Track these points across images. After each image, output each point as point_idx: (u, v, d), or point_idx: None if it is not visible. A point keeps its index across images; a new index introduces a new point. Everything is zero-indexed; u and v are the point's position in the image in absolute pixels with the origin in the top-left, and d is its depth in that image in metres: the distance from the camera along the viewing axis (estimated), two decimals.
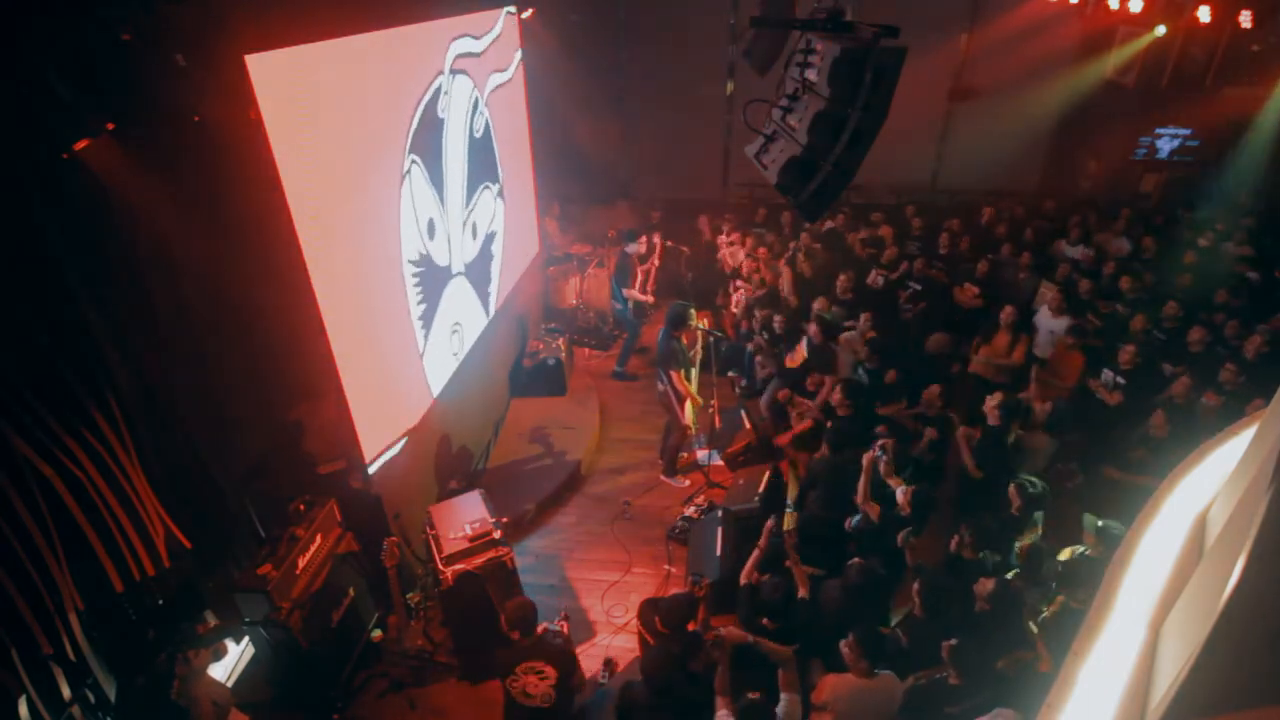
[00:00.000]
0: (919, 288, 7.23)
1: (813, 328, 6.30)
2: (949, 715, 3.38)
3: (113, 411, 3.35)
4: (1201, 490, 1.87)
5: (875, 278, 7.32)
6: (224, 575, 4.25)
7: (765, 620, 3.83)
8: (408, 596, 4.83)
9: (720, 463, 6.25)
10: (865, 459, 4.64)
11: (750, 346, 7.22)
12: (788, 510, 5.40)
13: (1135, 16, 8.19)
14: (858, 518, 4.57)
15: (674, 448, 6.48)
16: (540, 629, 3.74)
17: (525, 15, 7.24)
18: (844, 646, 3.51)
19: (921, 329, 6.73)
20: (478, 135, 6.20)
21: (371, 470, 4.63)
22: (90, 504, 3.25)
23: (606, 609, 5.28)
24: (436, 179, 5.40)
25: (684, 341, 6.24)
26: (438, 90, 5.33)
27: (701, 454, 6.58)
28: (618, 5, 9.82)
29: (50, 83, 2.83)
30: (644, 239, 7.98)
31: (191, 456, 3.85)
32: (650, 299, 8.04)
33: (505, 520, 4.83)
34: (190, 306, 3.74)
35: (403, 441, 5.05)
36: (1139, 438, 5.27)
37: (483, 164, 6.39)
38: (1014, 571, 4.21)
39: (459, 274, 5.98)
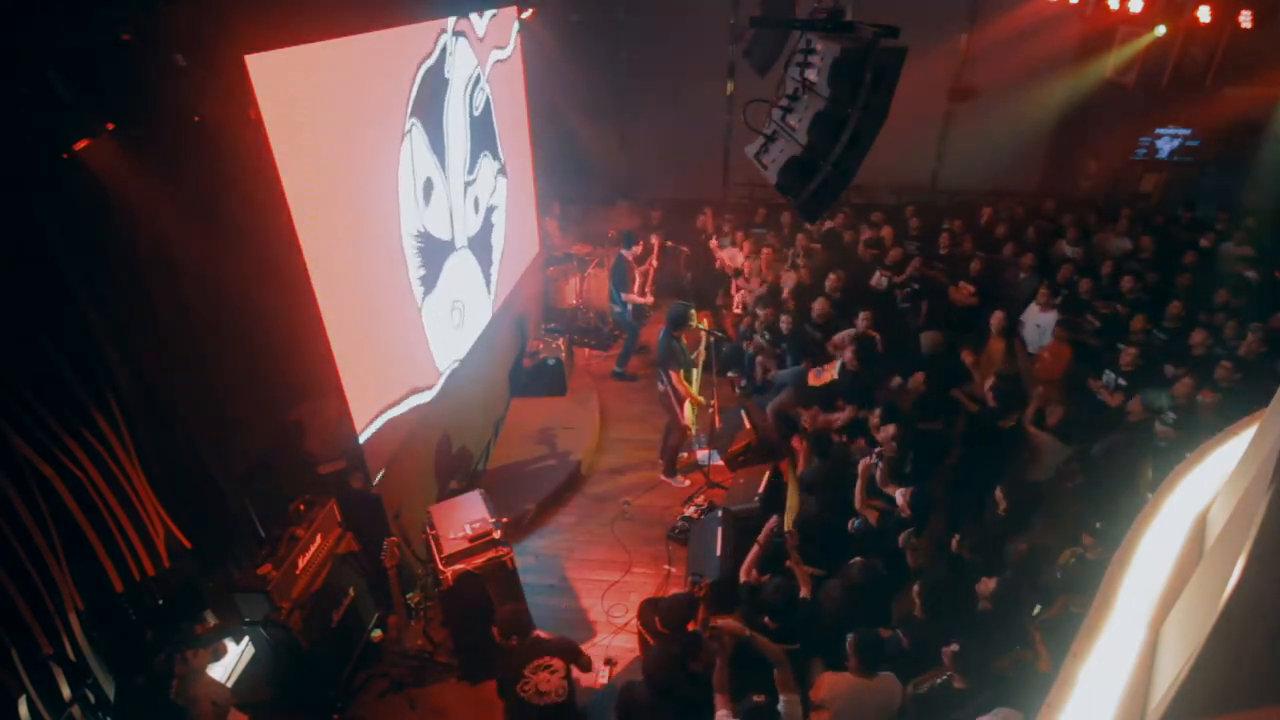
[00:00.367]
0: (918, 287, 7.23)
1: (849, 353, 5.79)
2: None
3: (113, 411, 3.34)
4: (1201, 490, 1.87)
5: (879, 279, 7.32)
6: (224, 575, 4.25)
7: (766, 619, 3.84)
8: (408, 596, 4.83)
9: (720, 463, 6.25)
10: (861, 466, 4.65)
11: (750, 347, 7.22)
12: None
13: (1135, 16, 8.19)
14: (859, 520, 4.58)
15: (674, 448, 6.48)
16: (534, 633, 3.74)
17: (525, 15, 7.23)
18: (847, 646, 3.51)
19: (920, 329, 6.74)
20: (477, 113, 6.20)
21: (375, 428, 4.62)
22: (90, 504, 3.25)
23: (606, 609, 5.28)
24: (437, 145, 5.40)
25: (684, 342, 6.23)
26: (444, 50, 5.34)
27: (701, 454, 6.58)
28: (618, 5, 9.82)
29: (50, 83, 2.83)
30: (640, 243, 7.97)
31: (191, 456, 3.85)
32: (649, 300, 8.04)
33: (505, 520, 4.83)
34: (190, 306, 3.74)
35: (411, 402, 5.04)
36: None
37: (484, 138, 6.41)
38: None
39: (462, 247, 5.98)
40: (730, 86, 10.10)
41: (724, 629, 3.49)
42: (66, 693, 3.25)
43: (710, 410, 6.46)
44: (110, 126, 3.08)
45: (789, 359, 6.70)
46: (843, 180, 3.31)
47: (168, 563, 3.64)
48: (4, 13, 2.68)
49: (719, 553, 4.89)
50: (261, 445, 4.51)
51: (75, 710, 3.29)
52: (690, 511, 5.93)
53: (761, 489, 5.44)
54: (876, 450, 4.74)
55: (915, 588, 3.89)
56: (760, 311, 7.16)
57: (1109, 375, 5.85)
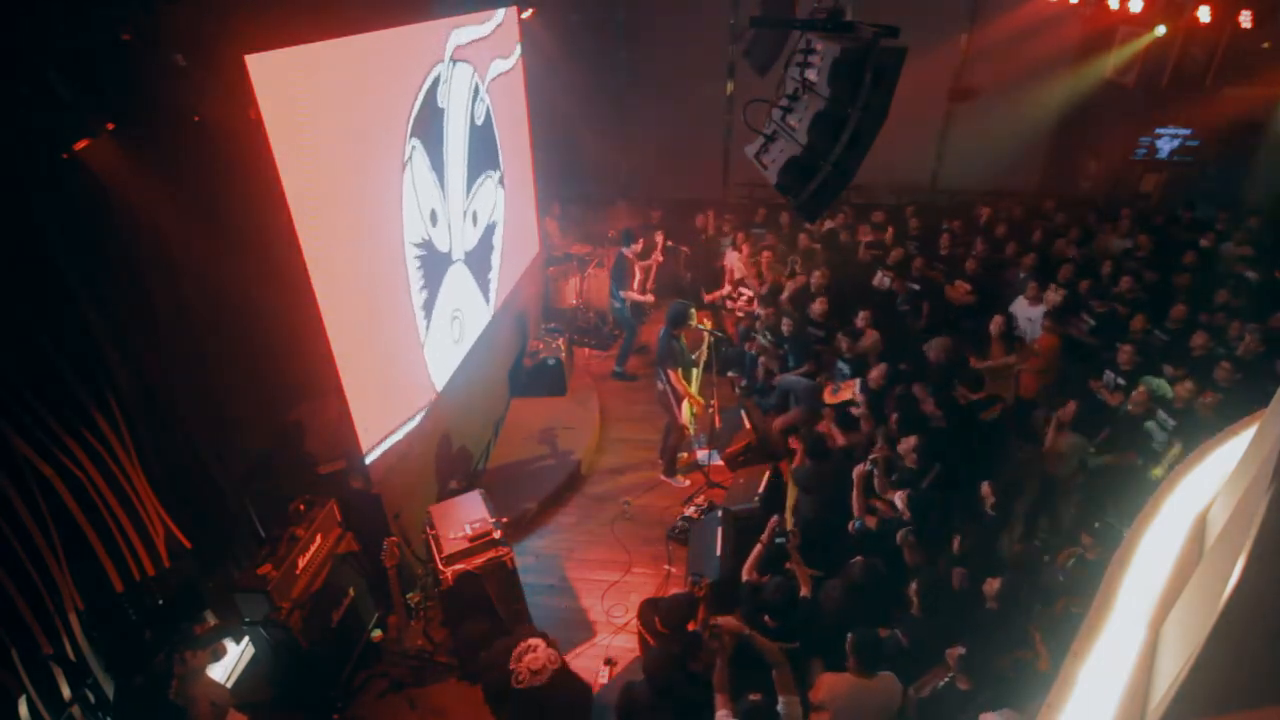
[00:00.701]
0: (918, 288, 7.24)
1: (875, 373, 5.68)
2: None
3: (113, 411, 3.35)
4: (1201, 490, 1.87)
5: (881, 279, 7.33)
6: (224, 575, 4.25)
7: (766, 618, 3.84)
8: (408, 596, 4.83)
9: (720, 463, 6.25)
10: (856, 473, 4.65)
11: (753, 348, 7.21)
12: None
13: (1135, 16, 8.20)
14: (859, 521, 4.59)
15: (673, 448, 6.48)
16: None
17: (525, 15, 7.24)
18: (846, 646, 3.51)
19: (920, 329, 6.75)
20: (479, 123, 6.20)
21: (370, 459, 4.62)
22: (90, 504, 3.25)
23: (606, 609, 5.28)
24: (438, 165, 5.40)
25: (684, 341, 6.23)
26: (437, 79, 5.32)
27: (701, 454, 6.58)
28: (618, 5, 9.82)
29: (50, 83, 2.83)
30: (640, 240, 7.96)
31: (191, 456, 3.86)
32: (650, 299, 8.03)
33: (505, 520, 4.83)
34: (190, 306, 3.74)
35: (403, 431, 5.05)
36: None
37: (484, 151, 6.40)
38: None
39: (459, 260, 5.98)
40: (730, 86, 10.10)
41: (724, 628, 3.49)
42: (66, 693, 3.26)
43: (710, 410, 6.46)
44: (110, 126, 3.08)
45: (791, 360, 6.70)
46: (843, 180, 3.31)
47: (168, 563, 3.64)
48: (4, 13, 2.68)
49: (719, 553, 4.89)
50: (261, 445, 4.51)
51: (75, 710, 3.29)
52: (690, 511, 5.93)
53: (761, 489, 5.45)
54: (871, 457, 4.74)
55: (912, 586, 3.89)
56: (761, 311, 7.16)
57: (1109, 375, 5.86)
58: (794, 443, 5.76)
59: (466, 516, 4.69)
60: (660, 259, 8.32)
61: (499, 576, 4.56)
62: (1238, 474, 1.66)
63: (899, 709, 3.50)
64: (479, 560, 4.50)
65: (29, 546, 3.01)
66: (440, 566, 4.46)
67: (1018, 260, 7.54)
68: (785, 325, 6.75)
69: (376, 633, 4.84)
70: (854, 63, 3.04)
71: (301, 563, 4.36)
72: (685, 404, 6.21)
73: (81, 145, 2.99)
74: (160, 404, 3.62)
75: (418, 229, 5.13)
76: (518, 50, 7.12)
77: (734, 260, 8.43)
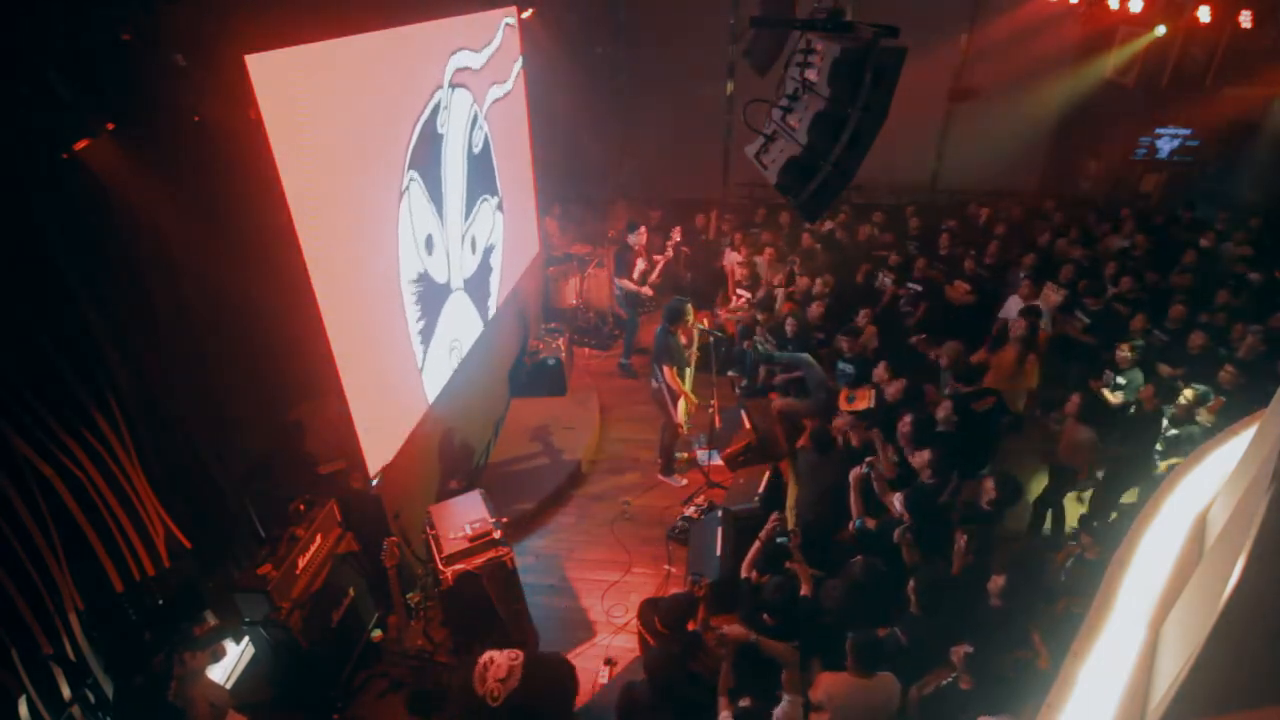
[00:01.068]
0: (919, 288, 7.24)
1: (893, 387, 5.60)
2: None
3: (113, 411, 3.34)
4: (1201, 490, 1.87)
5: (883, 279, 7.34)
6: (224, 575, 4.24)
7: (766, 617, 3.84)
8: (408, 596, 4.83)
9: (720, 463, 6.25)
10: (852, 476, 4.65)
11: (753, 348, 7.20)
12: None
13: (1135, 16, 8.20)
14: (859, 521, 4.59)
15: (669, 446, 6.47)
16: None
17: (525, 15, 7.24)
18: (845, 646, 3.51)
19: (921, 329, 6.75)
20: (476, 151, 6.16)
21: (375, 481, 4.65)
22: (90, 504, 3.25)
23: (606, 609, 5.28)
24: (435, 195, 5.38)
25: (681, 339, 6.21)
26: (437, 106, 5.30)
27: (701, 454, 6.58)
28: (618, 5, 9.83)
29: (50, 83, 2.83)
30: (644, 231, 7.95)
31: (191, 456, 3.85)
32: (648, 291, 8.01)
33: (505, 520, 4.83)
34: (190, 306, 3.74)
35: (404, 432, 5.06)
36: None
37: (482, 178, 6.37)
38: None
39: (458, 289, 5.97)
40: (730, 86, 10.11)
41: (730, 635, 3.48)
42: (66, 693, 3.25)
43: (710, 410, 6.45)
44: (110, 126, 3.07)
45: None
46: (843, 180, 3.31)
47: (168, 563, 3.64)
48: (4, 13, 2.68)
49: (719, 553, 4.89)
50: (261, 445, 4.51)
51: (75, 710, 3.29)
52: (690, 511, 5.93)
53: (761, 489, 5.44)
54: (868, 460, 4.74)
55: (910, 584, 3.90)
56: (760, 316, 7.16)
57: (1109, 375, 5.86)
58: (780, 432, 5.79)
59: (466, 516, 4.69)
60: (670, 255, 8.32)
61: (499, 576, 4.56)
62: (1238, 474, 1.67)
63: (898, 709, 3.50)
64: (479, 560, 4.50)
65: (29, 546, 3.00)
66: (440, 566, 4.46)
67: (1018, 260, 7.54)
68: (790, 326, 6.75)
69: (376, 633, 4.84)
70: (854, 63, 3.03)
71: (301, 563, 4.36)
72: (681, 402, 6.20)
73: (81, 145, 2.98)
74: (160, 404, 3.61)
75: (415, 260, 5.12)
76: (516, 68, 7.09)
77: (733, 261, 8.43)
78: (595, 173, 10.47)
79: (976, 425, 5.31)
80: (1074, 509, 5.69)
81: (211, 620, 4.04)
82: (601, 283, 8.70)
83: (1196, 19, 7.74)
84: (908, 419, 4.92)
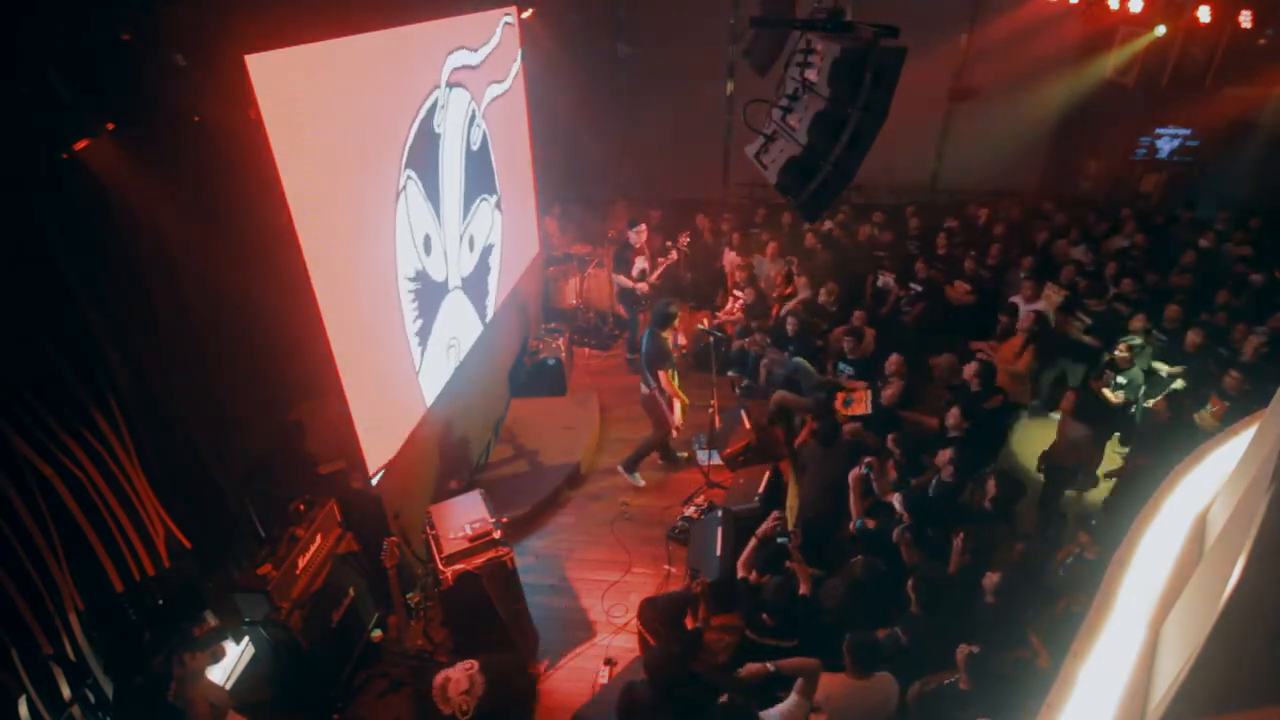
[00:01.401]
0: (919, 288, 7.24)
1: (890, 390, 5.68)
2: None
3: (113, 411, 3.34)
4: (1201, 490, 1.87)
5: (886, 280, 7.34)
6: (224, 575, 4.24)
7: (766, 617, 3.84)
8: (408, 596, 4.83)
9: (720, 463, 6.24)
10: (851, 477, 4.65)
11: (752, 347, 7.20)
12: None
13: (1135, 16, 8.20)
14: (859, 521, 4.59)
15: (651, 445, 6.39)
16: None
17: (525, 15, 7.24)
18: (843, 648, 3.50)
19: (920, 329, 6.76)
20: (474, 149, 6.15)
21: (375, 481, 4.64)
22: (90, 504, 3.25)
23: (606, 609, 5.28)
24: (433, 194, 5.37)
25: (669, 341, 6.12)
26: (434, 105, 5.29)
27: (701, 454, 6.58)
28: (618, 5, 9.82)
29: (50, 83, 2.83)
30: (645, 227, 7.94)
31: (191, 456, 3.85)
32: (645, 288, 8.00)
33: (505, 520, 4.83)
34: (190, 306, 3.74)
35: (404, 431, 5.05)
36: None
37: (480, 177, 6.36)
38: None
39: (456, 288, 5.96)
40: (730, 86, 10.11)
41: (747, 675, 3.40)
42: (66, 693, 3.25)
43: (710, 410, 6.45)
44: (110, 126, 3.08)
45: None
46: (843, 180, 3.31)
47: (168, 563, 3.64)
48: (4, 13, 2.68)
49: (719, 553, 4.89)
50: (261, 445, 4.51)
51: (75, 710, 3.29)
52: (690, 511, 5.92)
53: (761, 489, 5.44)
54: (865, 461, 4.74)
55: (909, 583, 3.90)
56: (753, 323, 7.17)
57: (1109, 375, 5.87)
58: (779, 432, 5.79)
59: (466, 516, 4.69)
60: (675, 257, 8.31)
61: (499, 576, 4.56)
62: (1238, 474, 1.67)
63: (896, 709, 3.50)
64: (479, 560, 4.50)
65: (29, 546, 3.00)
66: (440, 566, 4.46)
67: (1018, 260, 7.54)
68: (790, 325, 6.75)
69: (376, 633, 4.84)
70: (854, 63, 3.03)
71: (301, 563, 4.36)
72: (677, 404, 6.16)
73: (81, 145, 2.98)
74: (160, 404, 3.61)
75: (412, 260, 5.11)
76: (515, 67, 7.08)
77: (732, 262, 8.43)
78: (595, 173, 10.47)
79: (985, 425, 5.33)
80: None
81: (211, 620, 4.04)
82: (601, 283, 8.70)
83: (1196, 19, 7.74)
84: (948, 453, 4.79)
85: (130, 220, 3.30)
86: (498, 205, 6.87)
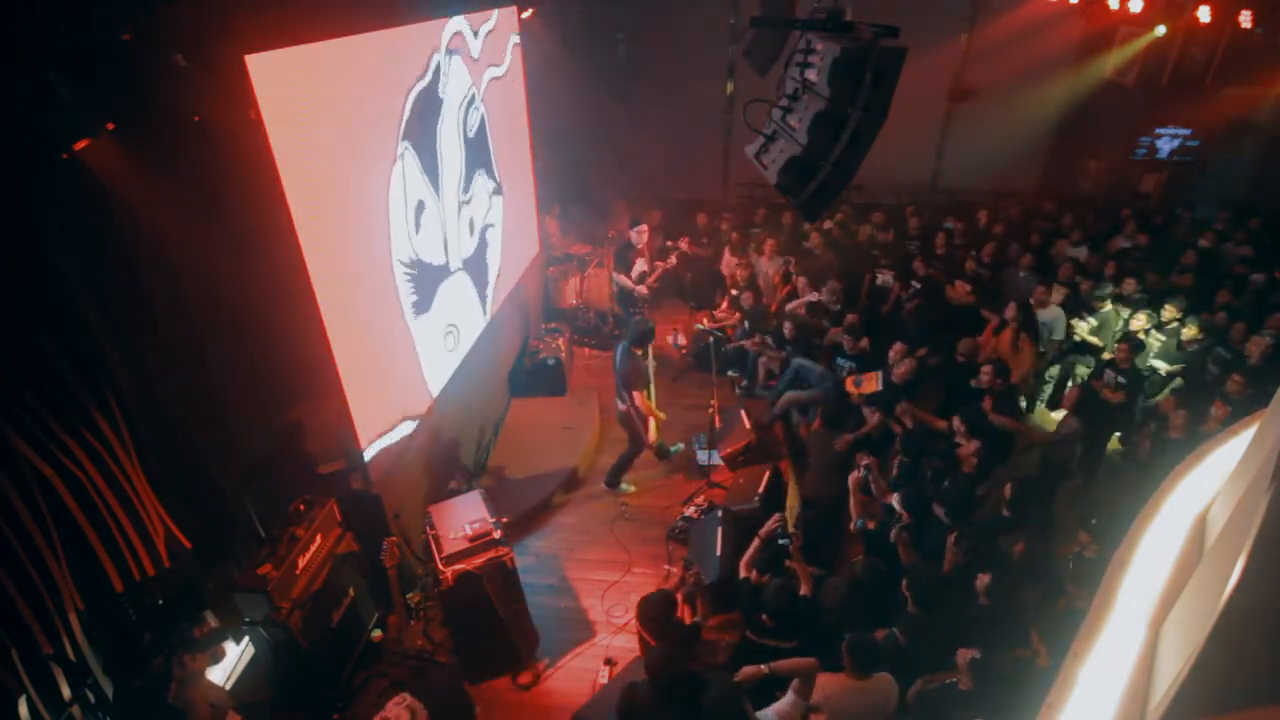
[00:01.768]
0: (919, 287, 7.25)
1: (901, 369, 5.69)
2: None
3: (113, 411, 3.34)
4: (1201, 490, 1.87)
5: (886, 280, 7.34)
6: (224, 575, 4.24)
7: (765, 617, 3.83)
8: (408, 596, 4.83)
9: (720, 463, 6.25)
10: (851, 479, 4.66)
11: (753, 347, 7.20)
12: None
13: (1135, 16, 8.20)
14: (860, 521, 4.60)
15: (626, 462, 6.34)
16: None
17: (525, 15, 7.23)
18: (841, 648, 3.50)
19: (918, 328, 6.76)
20: (471, 134, 6.14)
21: (369, 456, 4.61)
22: (90, 504, 3.25)
23: (606, 609, 5.28)
24: (430, 169, 5.35)
25: (643, 358, 6.04)
26: (436, 70, 5.27)
27: (701, 454, 6.58)
28: (618, 5, 9.82)
29: (50, 83, 2.83)
30: (646, 227, 7.93)
31: (191, 456, 3.85)
32: (644, 291, 7.98)
33: (505, 520, 4.83)
34: (190, 306, 3.74)
35: (401, 431, 5.03)
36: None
37: (478, 159, 6.36)
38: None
39: (457, 270, 5.95)
40: (730, 86, 10.10)
41: (744, 678, 3.41)
42: (66, 693, 3.25)
43: (710, 410, 6.45)
44: (110, 126, 3.07)
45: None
46: (843, 180, 3.31)
47: (168, 563, 3.64)
48: (4, 13, 2.68)
49: (719, 553, 4.89)
50: (261, 445, 4.51)
51: (75, 710, 3.29)
52: (690, 511, 5.92)
53: (761, 489, 5.45)
54: (864, 463, 4.74)
55: (904, 582, 3.90)
56: (748, 325, 7.18)
57: (1109, 373, 5.87)
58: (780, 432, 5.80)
59: (466, 516, 4.69)
60: (674, 263, 8.30)
61: (499, 576, 4.56)
62: (1238, 474, 1.67)
63: (895, 709, 3.50)
64: (479, 560, 4.50)
65: (29, 546, 3.00)
66: (440, 566, 4.46)
67: (1017, 260, 7.54)
68: (788, 330, 6.75)
69: (376, 633, 4.84)
70: (854, 63, 3.03)
71: (301, 563, 4.36)
72: (651, 422, 6.09)
73: (81, 145, 2.98)
74: (160, 404, 3.61)
75: (407, 238, 5.08)
76: (510, 49, 7.06)
77: (731, 263, 8.43)
78: (595, 173, 10.46)
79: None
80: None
81: (211, 620, 4.04)
82: (601, 283, 8.70)
83: (1196, 19, 7.74)
84: (975, 445, 4.84)
85: (130, 220, 3.30)
86: (497, 190, 6.84)
